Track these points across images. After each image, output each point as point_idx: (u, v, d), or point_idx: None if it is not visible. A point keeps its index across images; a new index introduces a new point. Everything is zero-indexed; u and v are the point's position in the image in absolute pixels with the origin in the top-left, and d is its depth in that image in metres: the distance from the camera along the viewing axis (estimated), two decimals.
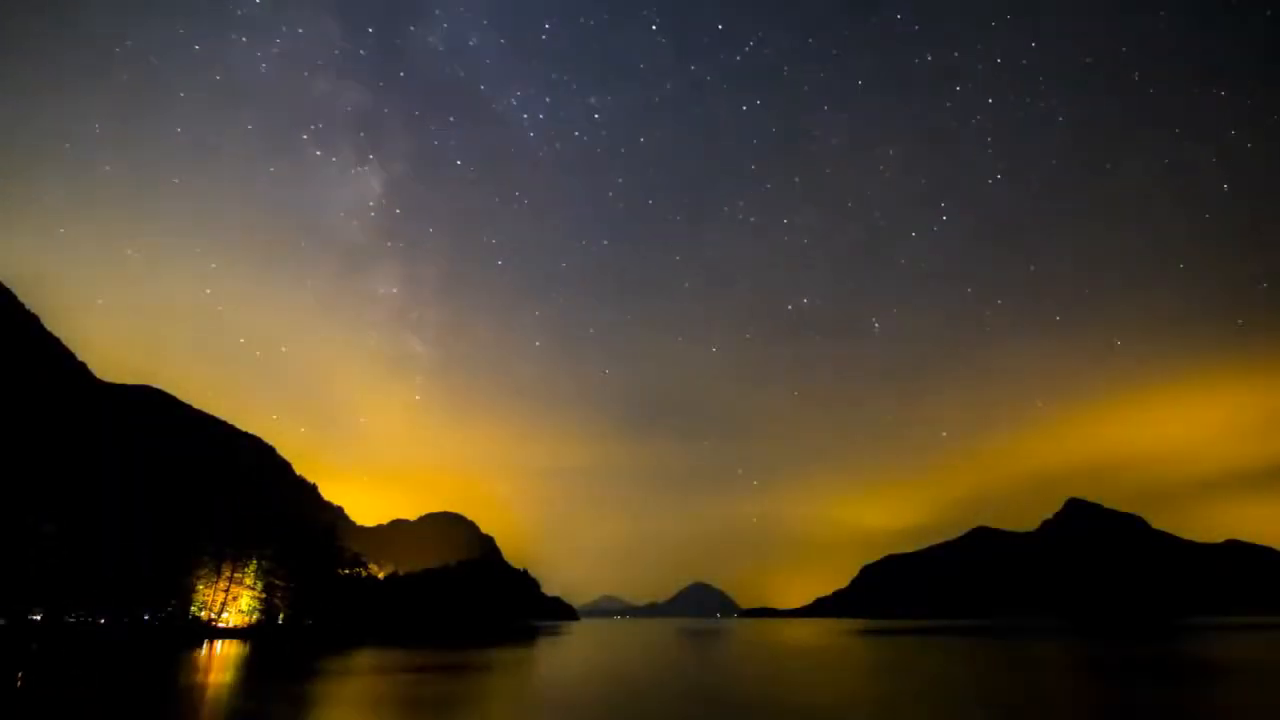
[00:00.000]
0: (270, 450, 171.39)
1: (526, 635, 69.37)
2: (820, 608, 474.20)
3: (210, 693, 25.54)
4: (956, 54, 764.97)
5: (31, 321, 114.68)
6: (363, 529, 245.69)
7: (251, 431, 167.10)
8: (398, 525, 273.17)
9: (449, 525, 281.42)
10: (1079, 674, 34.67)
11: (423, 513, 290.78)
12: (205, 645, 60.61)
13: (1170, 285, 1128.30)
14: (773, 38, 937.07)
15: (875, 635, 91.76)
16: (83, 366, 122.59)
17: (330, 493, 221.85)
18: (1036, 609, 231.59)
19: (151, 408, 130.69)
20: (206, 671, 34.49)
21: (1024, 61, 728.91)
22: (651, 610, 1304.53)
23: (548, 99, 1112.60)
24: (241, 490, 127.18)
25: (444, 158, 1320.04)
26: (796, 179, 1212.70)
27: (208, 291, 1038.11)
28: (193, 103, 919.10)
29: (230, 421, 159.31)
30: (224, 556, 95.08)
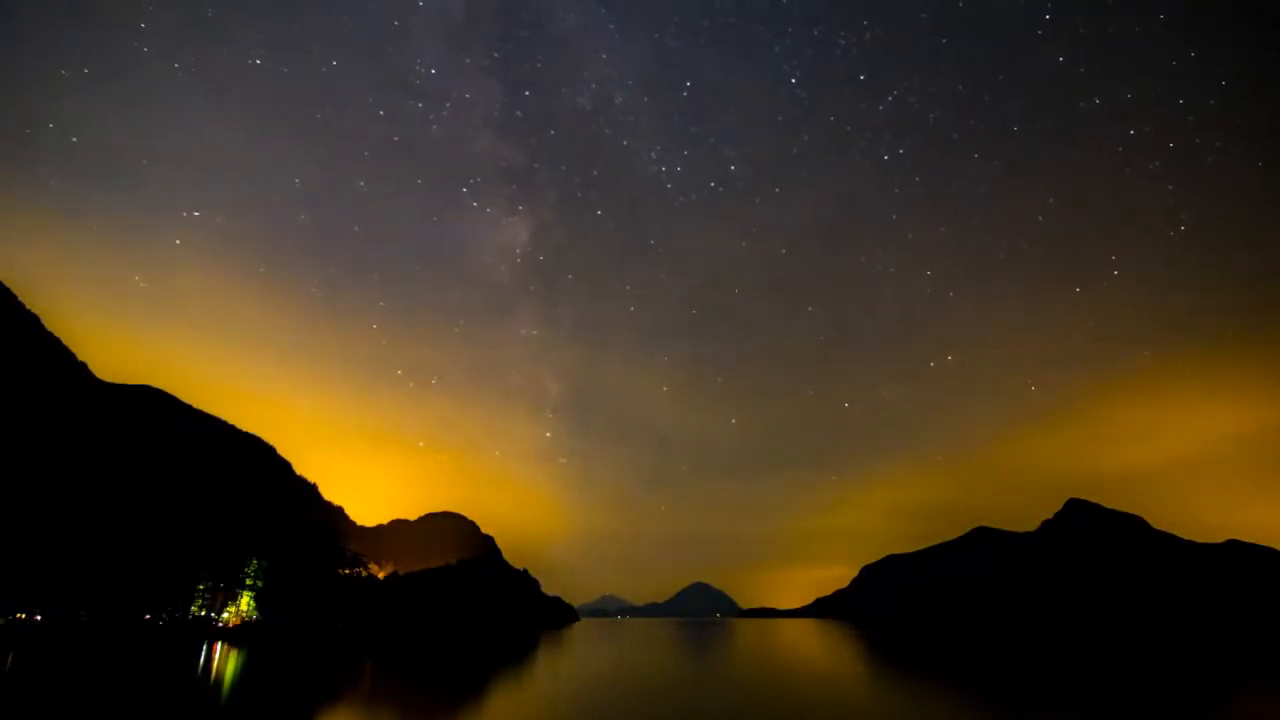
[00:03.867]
0: (270, 450, 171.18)
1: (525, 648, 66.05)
2: (820, 608, 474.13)
3: (209, 693, 25.60)
4: (1129, 95, 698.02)
5: (31, 322, 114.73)
6: (363, 529, 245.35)
7: (252, 431, 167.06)
8: (398, 525, 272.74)
9: (449, 525, 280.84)
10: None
11: (423, 513, 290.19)
12: (205, 645, 60.60)
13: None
14: (918, 85, 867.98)
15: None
16: (83, 366, 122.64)
17: (330, 493, 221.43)
18: (1036, 609, 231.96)
19: (151, 408, 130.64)
20: (206, 672, 34.54)
21: (1211, 101, 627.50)
22: (652, 610, 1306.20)
23: (685, 152, 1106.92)
24: (241, 490, 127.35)
25: (586, 208, 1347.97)
26: (942, 229, 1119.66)
27: (374, 326, 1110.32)
28: (375, 161, 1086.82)
29: (230, 421, 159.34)
30: (224, 556, 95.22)
